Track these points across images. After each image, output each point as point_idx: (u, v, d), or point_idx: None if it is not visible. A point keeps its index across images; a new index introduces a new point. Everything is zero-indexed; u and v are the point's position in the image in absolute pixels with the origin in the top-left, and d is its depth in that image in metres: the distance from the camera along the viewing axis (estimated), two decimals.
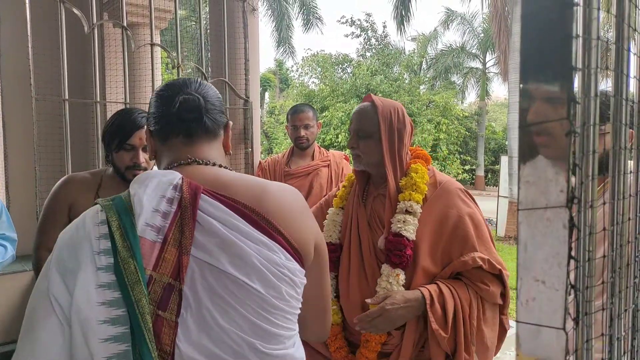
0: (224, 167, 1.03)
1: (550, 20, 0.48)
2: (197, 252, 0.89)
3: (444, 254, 1.50)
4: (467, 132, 15.91)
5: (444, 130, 13.59)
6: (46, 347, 0.83)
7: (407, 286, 1.49)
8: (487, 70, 20.53)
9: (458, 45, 19.35)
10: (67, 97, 2.35)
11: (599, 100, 0.60)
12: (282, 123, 17.16)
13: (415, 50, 19.51)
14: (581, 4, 0.59)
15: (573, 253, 0.46)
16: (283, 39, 29.17)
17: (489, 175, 19.86)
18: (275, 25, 24.33)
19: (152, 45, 2.58)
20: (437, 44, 20.06)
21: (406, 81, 14.29)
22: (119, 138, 1.78)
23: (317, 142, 11.29)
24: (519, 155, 0.52)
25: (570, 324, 0.47)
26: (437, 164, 13.51)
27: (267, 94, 33.19)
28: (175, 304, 0.85)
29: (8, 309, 3.39)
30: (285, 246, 0.94)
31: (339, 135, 12.64)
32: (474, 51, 20.04)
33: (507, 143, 9.78)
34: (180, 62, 2.64)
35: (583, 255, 0.52)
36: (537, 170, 0.50)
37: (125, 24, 2.51)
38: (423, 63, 19.54)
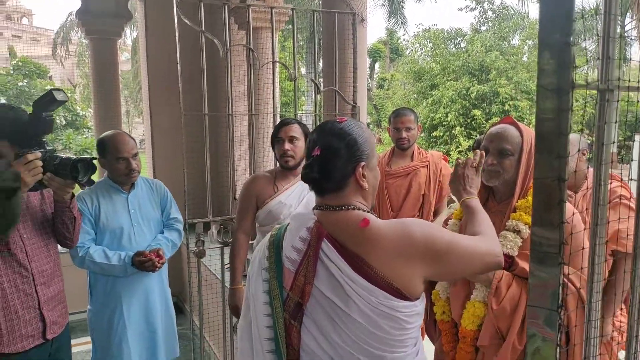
0: (353, 208, 1.21)
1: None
2: (318, 283, 1.18)
3: None
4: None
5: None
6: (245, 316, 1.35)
7: None
8: (625, 34, 18.25)
9: (592, 6, 17.36)
10: (207, 112, 2.86)
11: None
12: (395, 94, 17.11)
13: None
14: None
15: None
16: (394, 10, 28.59)
17: (622, 152, 17.96)
18: None
19: (274, 62, 2.98)
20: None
21: (525, 56, 13.38)
22: (273, 136, 2.45)
23: (427, 121, 11.15)
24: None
25: None
26: None
27: (377, 65, 32.85)
28: (301, 317, 1.21)
29: None
30: (384, 288, 1.14)
31: (449, 115, 12.39)
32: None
33: None
34: (296, 76, 3.00)
35: None
36: None
37: (251, 46, 2.92)
38: None
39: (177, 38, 2.72)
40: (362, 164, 1.22)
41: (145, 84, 5.25)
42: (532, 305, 0.73)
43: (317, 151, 1.21)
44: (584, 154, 2.45)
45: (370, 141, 1.27)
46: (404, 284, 1.15)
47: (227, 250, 3.03)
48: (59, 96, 1.66)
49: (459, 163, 1.65)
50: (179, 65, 2.71)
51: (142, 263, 2.40)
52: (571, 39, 0.66)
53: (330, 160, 1.20)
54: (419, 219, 3.31)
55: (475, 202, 1.52)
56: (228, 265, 2.66)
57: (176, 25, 2.69)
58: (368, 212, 1.24)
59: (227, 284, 3.04)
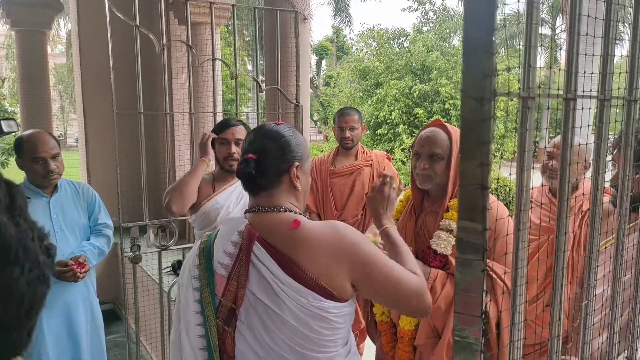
0: (284, 210, 1.22)
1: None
2: (251, 286, 1.18)
3: None
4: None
5: (501, 107, 13.17)
6: (176, 329, 1.30)
7: None
8: (556, 37, 19.36)
9: (518, 9, 18.32)
10: (142, 111, 2.73)
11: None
12: (341, 91, 17.22)
13: None
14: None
15: None
16: (340, 9, 28.79)
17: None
18: None
19: (214, 60, 2.89)
20: (503, 9, 19.12)
21: None
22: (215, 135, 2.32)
23: (371, 119, 11.31)
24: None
25: None
26: (494, 143, 13.13)
27: (324, 63, 33.00)
28: (234, 322, 1.19)
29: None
30: (314, 289, 1.14)
31: (393, 113, 12.63)
32: (542, 16, 19.01)
33: None
34: (237, 74, 2.94)
35: None
36: None
37: (190, 42, 2.83)
38: None
39: (108, 33, 2.59)
40: (296, 164, 1.25)
41: (78, 79, 4.97)
42: (458, 312, 0.73)
43: (253, 149, 1.23)
44: (585, 167, 2.32)
45: (304, 146, 1.29)
46: (333, 285, 1.16)
47: (165, 254, 2.93)
48: (6, 127, 1.52)
49: (385, 182, 1.51)
50: (111, 60, 2.58)
51: (62, 273, 2.26)
52: (493, 48, 0.67)
53: (266, 158, 1.23)
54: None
55: (395, 231, 1.44)
56: (166, 269, 2.56)
57: (107, 19, 2.55)
58: (300, 214, 1.25)
59: (165, 288, 2.94)
